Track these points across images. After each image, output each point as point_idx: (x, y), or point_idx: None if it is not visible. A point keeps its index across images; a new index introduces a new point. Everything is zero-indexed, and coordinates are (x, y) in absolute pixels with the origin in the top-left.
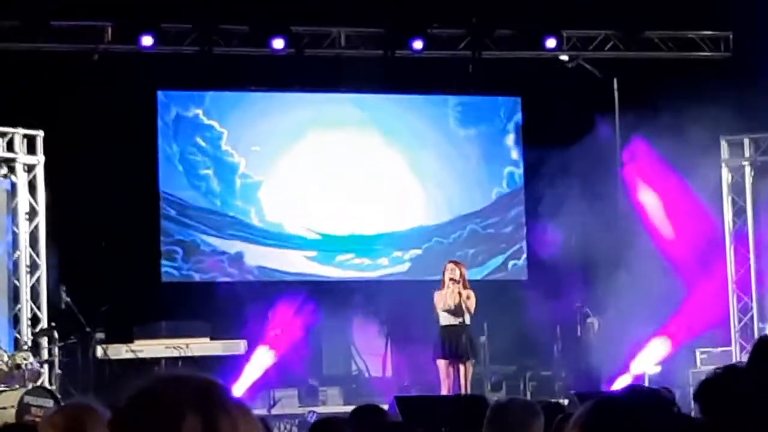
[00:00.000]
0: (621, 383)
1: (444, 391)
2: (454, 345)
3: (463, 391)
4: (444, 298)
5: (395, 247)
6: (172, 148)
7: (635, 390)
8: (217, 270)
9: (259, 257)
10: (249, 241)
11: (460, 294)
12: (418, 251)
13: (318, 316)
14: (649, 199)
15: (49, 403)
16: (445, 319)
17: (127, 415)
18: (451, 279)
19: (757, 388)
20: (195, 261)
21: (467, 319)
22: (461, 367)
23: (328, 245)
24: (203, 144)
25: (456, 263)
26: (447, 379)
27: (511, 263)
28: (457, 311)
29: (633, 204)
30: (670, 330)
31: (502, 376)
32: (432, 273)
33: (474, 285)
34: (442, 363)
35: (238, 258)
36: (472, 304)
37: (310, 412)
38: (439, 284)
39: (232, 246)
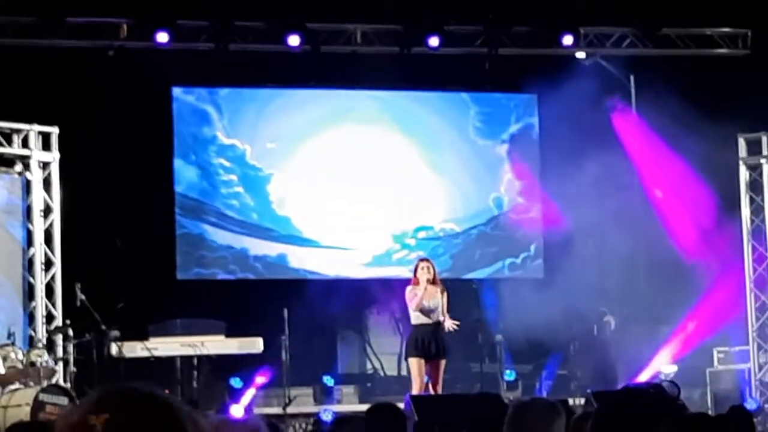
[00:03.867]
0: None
1: (415, 390)
2: (427, 344)
3: (438, 389)
4: (421, 298)
5: (405, 246)
6: (186, 143)
7: (630, 390)
8: (220, 265)
9: (268, 253)
10: (257, 237)
11: (441, 293)
12: (427, 250)
13: (332, 314)
14: (667, 197)
15: (64, 400)
16: (419, 318)
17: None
18: (427, 279)
19: None
20: (200, 256)
21: (440, 318)
22: (434, 366)
23: (337, 242)
24: (217, 136)
25: (428, 261)
26: (419, 377)
27: (510, 263)
28: (432, 311)
29: (651, 201)
30: (687, 329)
31: (518, 374)
32: (442, 271)
33: (486, 284)
34: (414, 361)
35: (243, 253)
36: (444, 307)
37: (325, 410)
38: (449, 282)
39: (239, 241)
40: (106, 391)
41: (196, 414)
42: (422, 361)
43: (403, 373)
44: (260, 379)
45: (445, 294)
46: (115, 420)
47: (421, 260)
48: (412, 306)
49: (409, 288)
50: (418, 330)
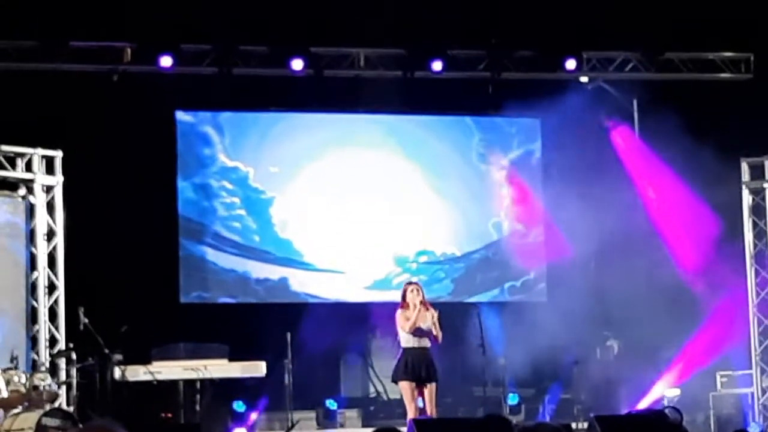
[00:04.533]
0: (641, 406)
1: (411, 414)
2: (418, 367)
3: (429, 413)
4: (415, 320)
5: (406, 270)
6: (189, 166)
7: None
8: (222, 289)
9: (270, 277)
10: (259, 260)
11: (431, 318)
12: (428, 275)
13: (335, 338)
14: (670, 222)
15: (67, 424)
16: (409, 342)
17: None
18: (421, 302)
19: None
20: (202, 279)
21: (429, 342)
22: (425, 390)
23: (338, 266)
24: (219, 159)
25: (417, 284)
26: (412, 401)
27: (511, 287)
28: (424, 334)
29: (654, 226)
30: (690, 353)
31: (521, 398)
32: (443, 296)
33: (488, 308)
34: (405, 385)
35: (245, 277)
36: (438, 327)
37: None
38: (445, 303)
39: (240, 264)
40: None
41: None
42: (413, 385)
43: None
44: (254, 416)
45: (435, 314)
46: None
47: (409, 284)
48: (406, 329)
49: (399, 311)
50: (409, 353)
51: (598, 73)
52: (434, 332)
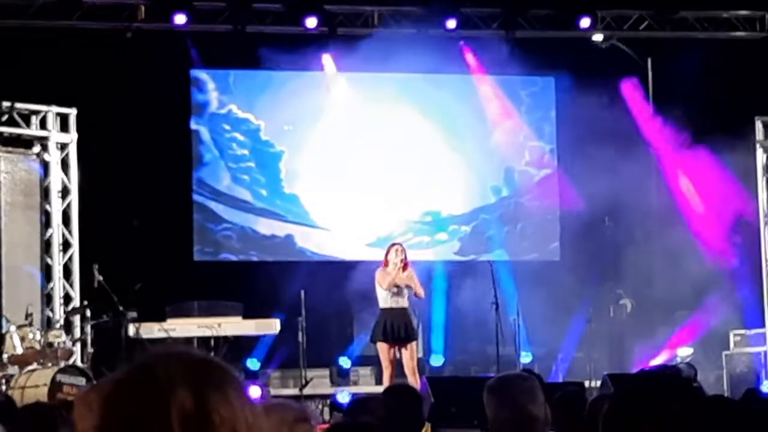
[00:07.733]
0: (654, 364)
1: (386, 375)
2: (396, 328)
3: (411, 372)
4: (393, 278)
5: (411, 230)
6: (202, 123)
7: (646, 373)
8: (232, 246)
9: (276, 233)
10: (266, 216)
11: (408, 276)
12: (436, 234)
13: (349, 295)
14: (683, 181)
15: (81, 381)
16: (387, 302)
17: (118, 389)
18: (400, 261)
19: None
20: (214, 236)
21: (406, 302)
22: (404, 350)
23: (344, 224)
24: (232, 111)
25: (401, 245)
26: (390, 363)
27: (522, 246)
28: (399, 293)
29: (667, 185)
30: (703, 312)
31: (534, 357)
32: (451, 255)
33: (502, 266)
34: (383, 346)
35: (252, 233)
36: (417, 283)
37: (341, 391)
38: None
39: (248, 220)
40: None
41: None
42: (389, 346)
43: (419, 354)
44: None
45: (408, 276)
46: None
47: (393, 244)
48: (383, 286)
49: (379, 270)
50: (387, 314)
51: (613, 32)
52: (414, 289)
